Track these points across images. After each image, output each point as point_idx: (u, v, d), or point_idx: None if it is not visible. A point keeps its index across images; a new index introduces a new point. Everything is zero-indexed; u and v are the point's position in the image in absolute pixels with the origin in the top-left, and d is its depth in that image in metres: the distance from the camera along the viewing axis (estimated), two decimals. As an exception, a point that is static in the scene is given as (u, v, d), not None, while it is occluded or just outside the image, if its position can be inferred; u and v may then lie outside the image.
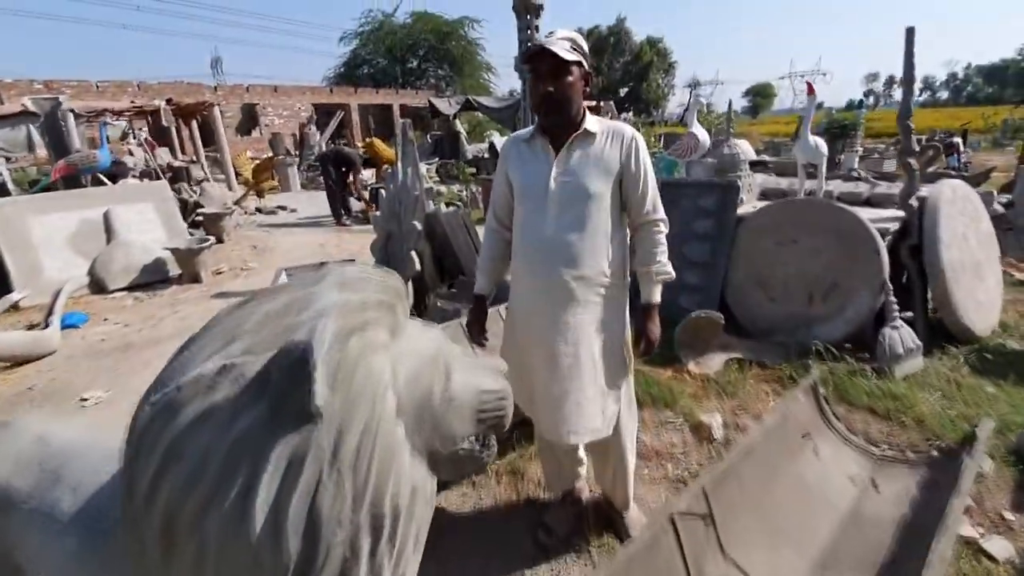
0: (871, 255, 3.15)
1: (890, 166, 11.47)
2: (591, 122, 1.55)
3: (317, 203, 9.74)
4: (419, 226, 3.42)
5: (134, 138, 12.44)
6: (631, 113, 28.04)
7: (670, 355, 3.14)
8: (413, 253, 3.42)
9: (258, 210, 8.52)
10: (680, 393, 2.84)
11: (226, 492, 0.69)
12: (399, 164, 3.78)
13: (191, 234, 6.29)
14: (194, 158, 10.25)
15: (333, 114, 17.78)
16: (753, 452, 1.90)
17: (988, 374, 2.99)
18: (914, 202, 3.40)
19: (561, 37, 1.46)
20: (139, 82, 18.99)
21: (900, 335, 3.05)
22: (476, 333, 1.76)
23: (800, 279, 3.38)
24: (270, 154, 12.29)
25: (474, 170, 11.55)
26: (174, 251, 5.07)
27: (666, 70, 43.22)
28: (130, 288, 5.05)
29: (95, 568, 0.98)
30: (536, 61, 1.46)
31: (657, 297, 1.64)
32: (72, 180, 5.97)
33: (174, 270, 5.30)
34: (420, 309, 3.57)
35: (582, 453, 1.97)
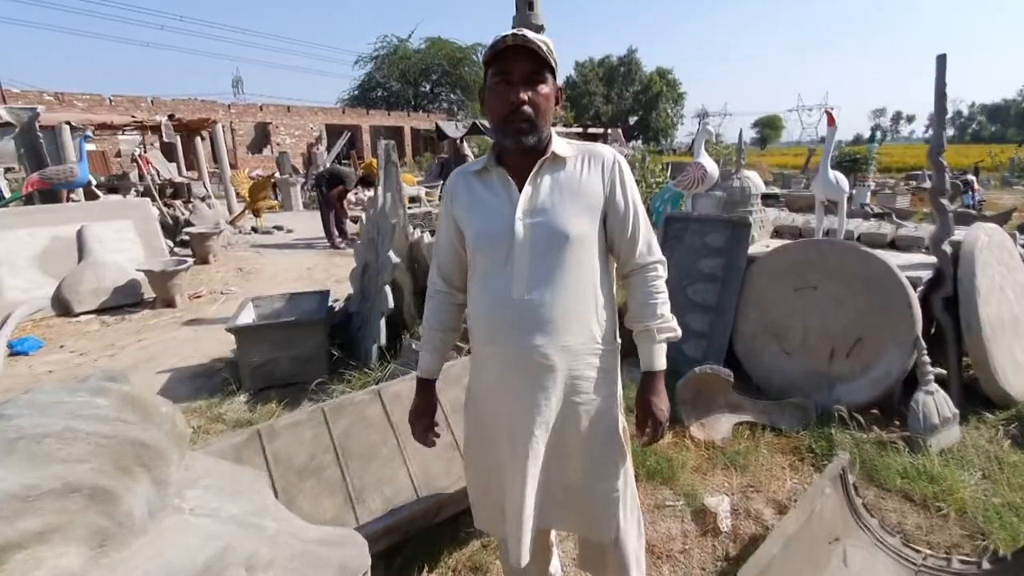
0: (903, 308, 2.77)
1: (903, 202, 11.18)
2: (560, 145, 1.20)
3: (316, 223, 9.50)
4: (394, 258, 3.10)
5: (145, 152, 12.36)
6: (640, 141, 27.98)
7: (670, 413, 2.76)
8: (387, 288, 3.09)
9: (253, 229, 8.28)
10: (681, 465, 2.44)
11: None
12: (379, 189, 3.47)
13: (175, 254, 6.03)
14: (197, 175, 10.10)
15: (348, 135, 17.76)
16: (773, 565, 1.51)
17: None
18: (947, 247, 3.04)
19: (535, 36, 1.12)
20: (153, 98, 19.17)
21: (935, 401, 2.65)
22: (421, 430, 1.39)
23: (821, 331, 3.00)
24: (276, 172, 12.12)
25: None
26: (147, 273, 4.78)
27: (675, 100, 43.44)
28: (98, 311, 4.75)
29: None
30: (507, 60, 1.11)
31: (662, 362, 1.27)
32: (50, 195, 5.73)
33: (149, 293, 5.01)
34: (394, 349, 3.23)
35: (553, 536, 1.61)
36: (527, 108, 1.11)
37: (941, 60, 2.97)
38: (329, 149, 14.88)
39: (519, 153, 1.17)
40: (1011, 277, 3.15)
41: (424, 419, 1.38)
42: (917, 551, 1.89)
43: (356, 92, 30.31)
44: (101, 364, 3.76)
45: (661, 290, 1.27)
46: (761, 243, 3.73)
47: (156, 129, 9.79)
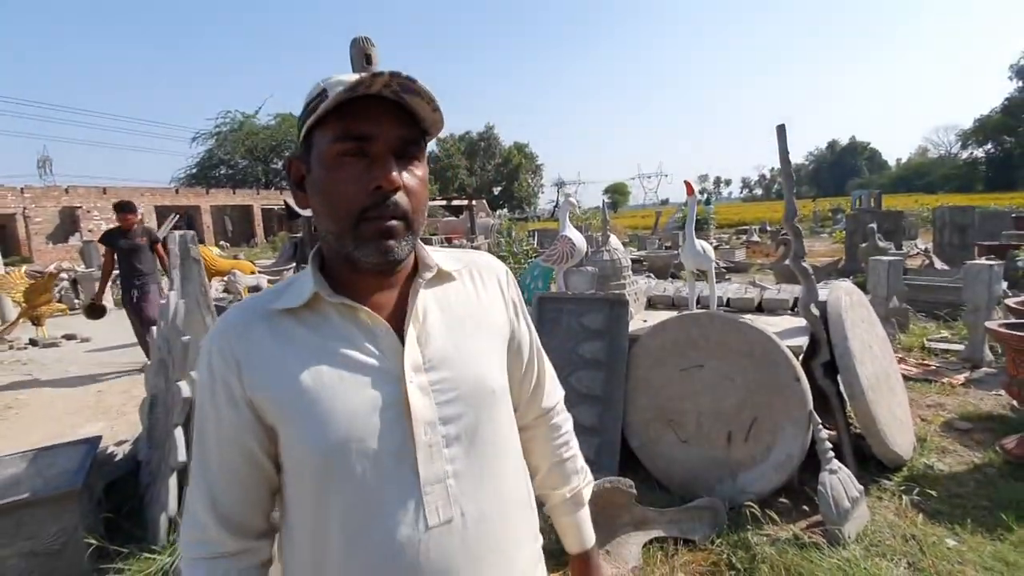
0: (791, 382, 2.58)
1: (740, 255, 12.50)
2: (434, 253, 0.76)
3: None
4: (187, 390, 2.26)
5: None
6: (505, 210, 29.00)
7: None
8: (179, 431, 2.22)
9: (32, 343, 6.48)
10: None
11: None
12: (172, 293, 2.63)
13: None
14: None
15: (182, 217, 15.75)
16: None
17: (938, 517, 2.53)
18: (814, 309, 2.99)
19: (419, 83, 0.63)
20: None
21: (840, 481, 2.43)
22: None
23: (714, 414, 2.71)
24: (77, 264, 10.07)
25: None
26: None
27: (534, 171, 46.61)
28: None
29: None
30: (365, 117, 0.63)
31: (592, 533, 0.93)
32: None
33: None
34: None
35: None
36: (401, 198, 0.65)
37: (781, 130, 3.01)
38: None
39: (380, 272, 0.69)
40: (873, 332, 3.18)
41: None
42: None
43: (195, 170, 27.79)
44: None
45: (572, 438, 0.94)
46: (639, 317, 3.49)
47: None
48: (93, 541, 2.15)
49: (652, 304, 3.84)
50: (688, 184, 3.19)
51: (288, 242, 14.30)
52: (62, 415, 4.27)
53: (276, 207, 23.23)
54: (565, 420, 0.93)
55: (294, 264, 11.66)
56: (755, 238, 14.67)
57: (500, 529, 0.70)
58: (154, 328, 2.86)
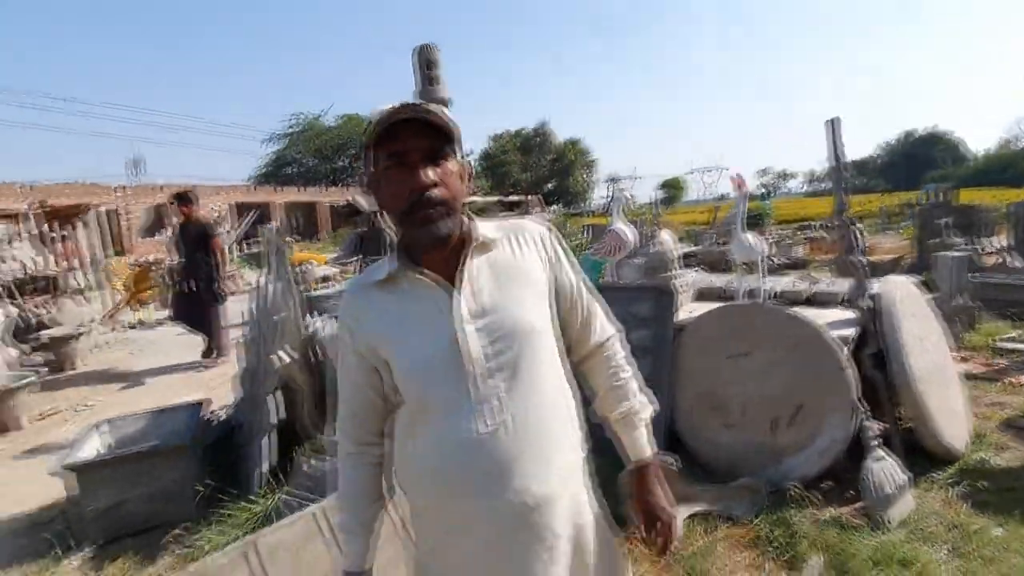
0: (837, 371, 2.64)
1: (799, 251, 12.08)
2: (482, 227, 0.96)
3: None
4: (278, 359, 2.61)
5: (18, 242, 10.92)
6: (559, 206, 29.11)
7: (615, 513, 2.40)
8: (271, 397, 2.58)
9: (138, 323, 7.29)
10: (634, 581, 2.06)
11: None
12: (263, 278, 3.01)
13: (29, 361, 5.08)
14: (68, 266, 8.96)
15: (258, 213, 16.92)
16: None
17: (987, 508, 2.50)
18: (866, 303, 3.01)
19: (429, 105, 0.88)
20: (32, 183, 17.50)
21: (885, 470, 2.49)
22: None
23: (760, 400, 2.81)
24: (172, 257, 11.09)
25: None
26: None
27: (587, 166, 46.25)
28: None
29: None
30: (399, 138, 0.87)
31: (650, 447, 1.09)
32: None
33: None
34: (286, 470, 2.67)
35: None
36: (436, 192, 0.87)
37: (834, 123, 3.04)
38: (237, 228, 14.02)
39: (434, 247, 0.91)
40: (928, 326, 3.16)
41: None
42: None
43: (268, 169, 29.60)
44: None
45: (625, 366, 1.10)
46: (686, 308, 3.59)
47: (8, 218, 8.71)
48: (209, 483, 2.55)
49: (701, 296, 3.92)
50: (738, 178, 3.27)
51: (352, 236, 15.04)
52: (164, 387, 4.85)
53: (340, 204, 24.36)
54: (617, 353, 1.10)
55: (358, 256, 12.31)
56: (816, 234, 14.08)
57: (538, 436, 0.91)
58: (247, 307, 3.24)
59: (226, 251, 5.68)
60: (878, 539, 2.25)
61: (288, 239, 10.03)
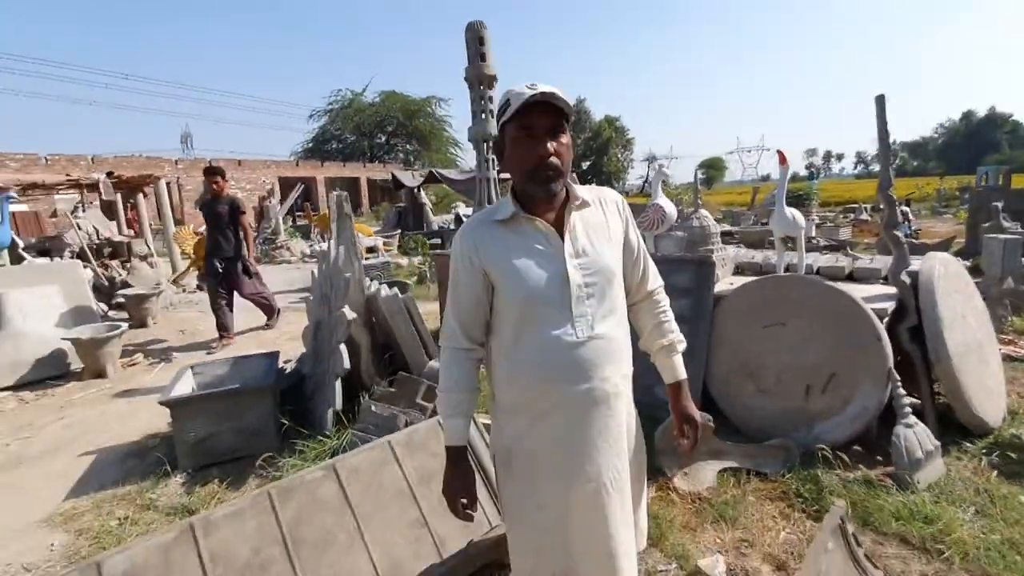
0: (872, 341, 2.74)
1: (845, 233, 11.77)
2: (578, 189, 1.27)
3: (267, 276, 9.10)
4: (349, 314, 2.88)
5: (83, 212, 11.71)
6: (595, 185, 28.89)
7: (650, 465, 2.59)
8: (342, 346, 2.86)
9: (199, 288, 7.82)
10: (669, 524, 2.27)
11: None
12: (332, 241, 3.28)
13: (110, 318, 5.58)
14: (135, 233, 9.60)
15: (303, 186, 17.50)
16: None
17: (1016, 478, 2.58)
18: (906, 278, 3.07)
19: (551, 89, 1.14)
20: (94, 156, 18.49)
21: (916, 435, 2.60)
22: (464, 506, 1.25)
23: (794, 368, 2.94)
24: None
25: (438, 241, 11.23)
26: (75, 341, 4.35)
27: (624, 145, 45.38)
28: (16, 387, 4.26)
29: None
30: (530, 114, 1.14)
31: (683, 370, 1.41)
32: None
33: (77, 363, 4.56)
34: (352, 412, 2.97)
35: None
36: (554, 159, 1.16)
37: (880, 100, 3.08)
38: (282, 202, 14.56)
39: (547, 201, 1.21)
40: (969, 304, 3.20)
41: (464, 492, 1.26)
42: (929, 606, 1.75)
43: (311, 144, 30.31)
44: (12, 450, 3.31)
45: (668, 310, 1.41)
46: (725, 281, 3.71)
47: (95, 187, 9.33)
48: (285, 422, 2.86)
49: (740, 270, 4.02)
50: (781, 153, 3.34)
51: (392, 211, 15.42)
52: (230, 342, 5.26)
53: (379, 180, 24.80)
54: (663, 299, 1.40)
55: (399, 230, 12.68)
56: (864, 216, 13.64)
57: (612, 348, 1.22)
58: (314, 271, 3.52)
59: (251, 230, 5.42)
60: (904, 498, 2.37)
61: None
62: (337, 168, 24.97)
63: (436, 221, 14.62)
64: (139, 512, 2.55)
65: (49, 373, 4.44)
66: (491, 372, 1.30)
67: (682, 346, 1.41)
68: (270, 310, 5.97)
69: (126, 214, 12.07)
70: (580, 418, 1.20)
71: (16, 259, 6.02)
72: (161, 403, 2.78)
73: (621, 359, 1.25)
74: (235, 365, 3.34)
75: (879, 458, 2.72)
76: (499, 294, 1.21)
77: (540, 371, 1.19)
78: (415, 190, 14.22)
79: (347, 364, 2.81)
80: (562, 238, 1.20)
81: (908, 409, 2.65)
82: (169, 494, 2.71)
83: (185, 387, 3.04)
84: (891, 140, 3.14)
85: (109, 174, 8.69)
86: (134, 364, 4.79)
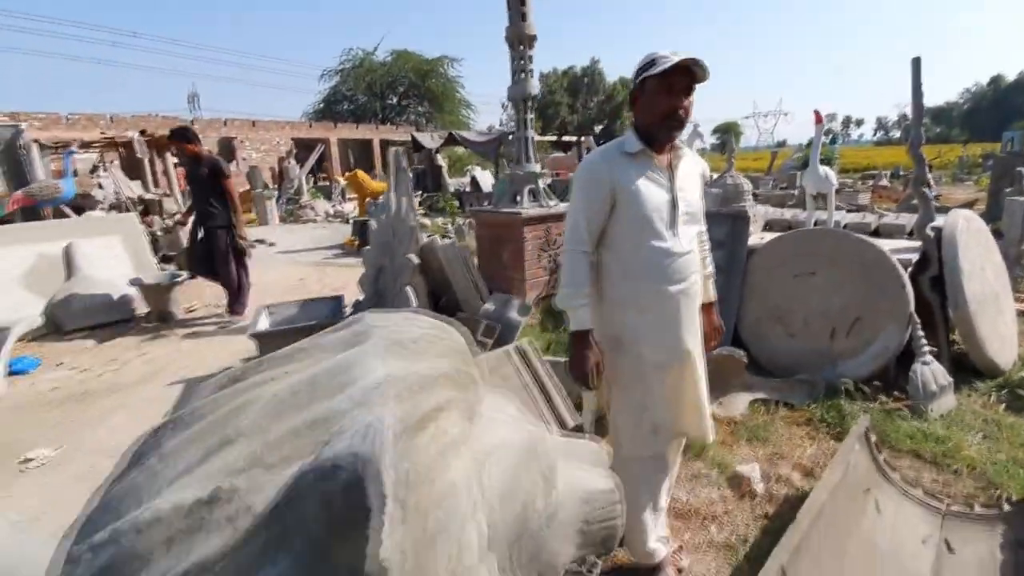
0: (896, 288, 2.99)
1: (864, 199, 11.81)
2: (681, 140, 1.60)
3: (296, 237, 9.42)
4: (415, 259, 3.16)
5: (104, 171, 11.95)
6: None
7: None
8: (409, 288, 3.14)
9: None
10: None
11: None
12: (392, 194, 3.53)
13: (162, 269, 5.89)
14: (167, 191, 9.85)
15: (312, 148, 17.56)
16: (821, 516, 1.65)
17: (1023, 412, 2.83)
18: (930, 231, 3.29)
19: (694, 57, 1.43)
20: (112, 115, 18.55)
21: (932, 371, 2.88)
22: (591, 377, 1.52)
23: (821, 314, 3.20)
24: (247, 187, 11.93)
25: (457, 203, 11.40)
26: (143, 287, 4.67)
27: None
28: (91, 328, 4.61)
29: None
30: (674, 75, 1.44)
31: (714, 294, 1.84)
32: (32, 212, 5.55)
33: (142, 308, 4.89)
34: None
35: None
36: (682, 112, 1.48)
37: (916, 63, 3.23)
38: (301, 163, 14.71)
39: (667, 144, 1.55)
40: (989, 257, 3.42)
41: (594, 361, 1.52)
42: (940, 500, 2.06)
43: (322, 106, 30.01)
44: (106, 379, 3.67)
45: (708, 246, 1.78)
46: (756, 236, 3.94)
47: (119, 146, 9.53)
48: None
49: (770, 226, 4.24)
50: (817, 113, 3.51)
51: (412, 172, 15.51)
52: (277, 292, 5.59)
53: (392, 141, 24.71)
54: (706, 239, 1.76)
55: (419, 192, 12.84)
56: (884, 183, 13.63)
57: (697, 260, 1.63)
58: (371, 222, 3.78)
59: (238, 198, 4.66)
60: (918, 424, 2.67)
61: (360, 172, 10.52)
62: (349, 130, 24.87)
63: (452, 184, 14.74)
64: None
65: (117, 317, 4.78)
66: (604, 275, 1.60)
67: (714, 276, 1.83)
68: (237, 297, 4.83)
69: (152, 172, 12.29)
70: (676, 308, 1.56)
71: (76, 212, 6.30)
72: (250, 335, 3.10)
73: (699, 270, 1.65)
74: (303, 307, 3.65)
75: (896, 393, 3.00)
76: (621, 210, 1.52)
77: (651, 274, 1.54)
78: (433, 152, 14.30)
79: (415, 303, 3.10)
80: (671, 175, 1.55)
81: (926, 348, 2.92)
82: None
83: (263, 323, 3.35)
84: (922, 99, 3.30)
85: (142, 132, 8.88)
86: (193, 310, 5.13)
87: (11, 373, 3.60)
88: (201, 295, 5.62)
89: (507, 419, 0.61)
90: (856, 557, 1.69)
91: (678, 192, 1.54)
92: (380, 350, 0.54)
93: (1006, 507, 1.97)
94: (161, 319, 4.74)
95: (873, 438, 2.16)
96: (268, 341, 3.14)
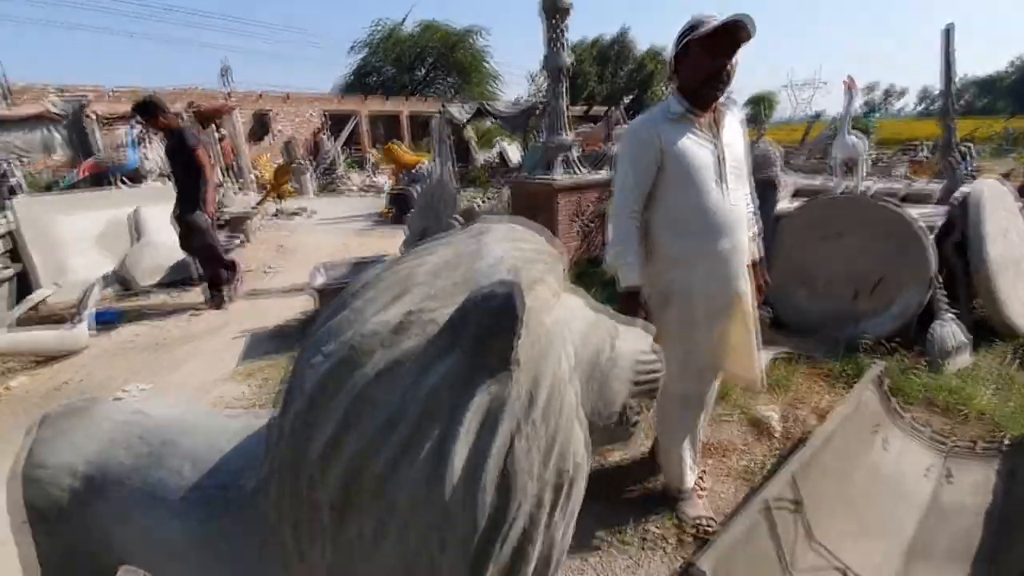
0: (920, 251, 3.12)
1: (900, 172, 11.54)
2: (722, 101, 1.67)
3: (334, 207, 9.78)
4: (461, 220, 3.41)
5: (149, 142, 12.48)
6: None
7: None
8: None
9: (278, 213, 8.52)
10: (732, 387, 2.80)
11: (419, 446, 0.66)
12: (436, 160, 3.77)
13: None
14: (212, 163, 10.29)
15: (343, 122, 17.85)
16: (832, 440, 1.87)
17: None
18: (956, 198, 3.38)
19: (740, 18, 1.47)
20: (154, 90, 19.12)
21: (950, 330, 3.02)
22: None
23: (845, 275, 3.35)
24: (281, 160, 12.33)
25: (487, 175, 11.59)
26: (202, 250, 5.05)
27: (670, 79, 43.28)
28: (158, 287, 5.03)
29: (216, 549, 0.94)
30: (718, 37, 1.50)
31: (757, 253, 1.91)
32: (98, 180, 5.97)
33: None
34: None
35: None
36: (727, 74, 1.56)
37: (948, 31, 3.28)
38: (336, 136, 15.02)
39: (710, 103, 1.63)
40: (1013, 223, 3.50)
41: (644, 319, 1.61)
42: (945, 440, 2.25)
43: (351, 79, 30.16)
44: (178, 331, 4.06)
45: (753, 208, 1.84)
46: (784, 202, 4.06)
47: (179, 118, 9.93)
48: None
49: (799, 194, 4.35)
50: (849, 80, 3.59)
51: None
52: (323, 257, 5.93)
53: (422, 112, 24.83)
54: (750, 196, 1.82)
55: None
56: (922, 156, 13.22)
57: (743, 216, 1.71)
58: (414, 188, 4.03)
59: (209, 168, 4.30)
60: (933, 377, 2.83)
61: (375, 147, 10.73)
62: (379, 103, 25.03)
63: (480, 157, 14.88)
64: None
65: (180, 277, 5.19)
66: (653, 234, 1.68)
67: (759, 234, 1.92)
68: (217, 284, 4.51)
69: (220, 145, 12.71)
70: (725, 263, 1.65)
71: (133, 181, 6.74)
72: (312, 289, 3.42)
73: (745, 227, 1.73)
74: (354, 267, 3.95)
75: (915, 350, 3.13)
76: (669, 170, 1.60)
77: (700, 231, 1.63)
78: (462, 125, 14.41)
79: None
80: (716, 133, 1.64)
81: (945, 308, 3.06)
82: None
83: (321, 280, 3.67)
84: (958, 76, 3.36)
85: (190, 105, 9.27)
86: (249, 271, 5.52)
87: (99, 323, 4.01)
88: (254, 258, 6.01)
89: (579, 302, 0.86)
90: (860, 479, 1.91)
91: (724, 150, 1.61)
92: (498, 238, 0.78)
93: (1007, 443, 2.16)
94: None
95: (886, 382, 2.36)
96: (328, 295, 3.45)
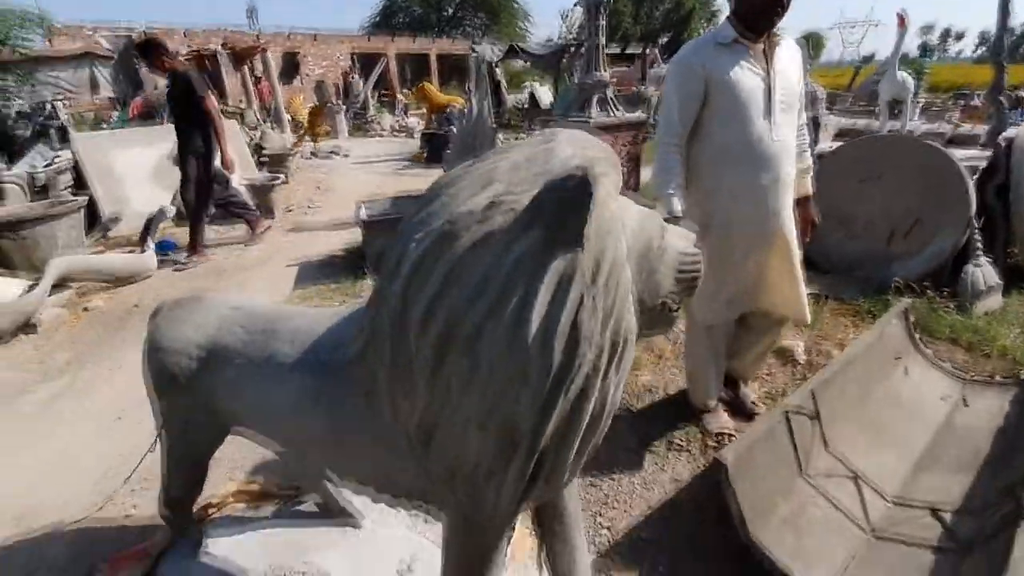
0: (960, 193, 3.10)
1: (949, 119, 10.94)
2: (778, 29, 1.64)
3: (367, 148, 9.87)
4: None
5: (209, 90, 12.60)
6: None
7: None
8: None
9: (313, 154, 8.67)
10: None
11: (504, 307, 0.82)
12: (473, 98, 3.82)
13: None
14: (246, 103, 10.38)
15: (371, 62, 17.60)
16: (854, 363, 2.00)
17: None
18: (1002, 141, 3.31)
19: None
20: (186, 29, 19.07)
21: (983, 272, 3.04)
22: None
23: (882, 216, 3.36)
24: (314, 101, 12.34)
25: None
26: (249, 186, 5.27)
27: (708, 19, 40.86)
28: (209, 221, 5.30)
29: (324, 404, 1.14)
30: None
31: (809, 189, 1.93)
32: (146, 117, 6.17)
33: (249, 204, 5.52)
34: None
35: None
36: (782, 7, 1.57)
37: (1018, -44, 3.11)
38: (365, 77, 14.89)
39: (761, 33, 1.61)
40: (1061, 167, 3.40)
41: None
42: (965, 372, 2.35)
43: (378, 18, 29.42)
44: (232, 260, 4.33)
45: (807, 139, 1.86)
46: (825, 143, 4.01)
47: (204, 58, 10.03)
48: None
49: (841, 135, 4.27)
50: (901, 15, 3.46)
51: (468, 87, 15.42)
52: (361, 195, 6.09)
53: (451, 53, 24.24)
54: (805, 132, 1.85)
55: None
56: (976, 102, 12.45)
57: (792, 149, 1.72)
58: (453, 127, 4.10)
59: (219, 117, 4.16)
60: (960, 317, 2.89)
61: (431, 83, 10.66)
62: (407, 42, 24.49)
63: (510, 100, 14.60)
64: (352, 298, 3.46)
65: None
66: (696, 164, 1.70)
67: (809, 167, 1.89)
68: (253, 220, 4.78)
69: (256, 86, 12.78)
70: (765, 196, 1.67)
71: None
72: (359, 221, 3.60)
73: (793, 161, 1.72)
74: (393, 203, 4.11)
75: (945, 292, 3.15)
76: (715, 99, 1.61)
77: (743, 162, 1.64)
78: (493, 65, 14.08)
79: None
80: (768, 62, 1.61)
81: (980, 251, 3.07)
82: (368, 288, 3.60)
83: (364, 214, 3.84)
84: (1019, 23, 3.20)
85: (224, 44, 9.31)
86: (291, 210, 5.74)
87: (159, 253, 4.29)
88: (295, 196, 6.22)
89: (631, 202, 0.99)
90: (878, 400, 2.05)
91: (775, 79, 1.58)
92: (567, 142, 0.91)
93: (1022, 376, 2.25)
94: (266, 215, 5.36)
95: (912, 317, 2.44)
96: (373, 228, 3.63)
